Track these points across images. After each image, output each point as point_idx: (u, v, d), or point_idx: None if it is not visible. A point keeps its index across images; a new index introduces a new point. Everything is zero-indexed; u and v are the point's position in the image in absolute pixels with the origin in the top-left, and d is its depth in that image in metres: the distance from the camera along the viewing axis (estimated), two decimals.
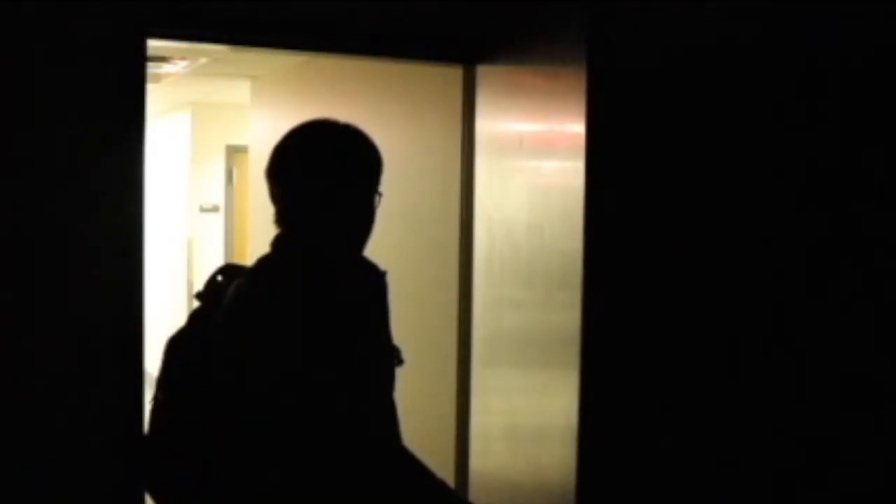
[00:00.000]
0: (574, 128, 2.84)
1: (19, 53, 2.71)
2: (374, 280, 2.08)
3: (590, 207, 2.78)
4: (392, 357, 2.09)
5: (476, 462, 3.34)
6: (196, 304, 2.10)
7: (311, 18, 3.06)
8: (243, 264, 2.12)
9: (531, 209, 3.05)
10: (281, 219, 2.00)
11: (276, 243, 2.01)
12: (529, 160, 3.11)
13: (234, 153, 7.88)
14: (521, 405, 3.11)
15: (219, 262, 7.90)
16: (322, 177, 1.94)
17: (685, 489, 3.25)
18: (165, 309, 8.18)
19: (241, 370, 1.87)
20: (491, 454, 3.28)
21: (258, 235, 6.65)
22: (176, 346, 2.05)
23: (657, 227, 3.22)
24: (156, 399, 2.03)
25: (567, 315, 2.83)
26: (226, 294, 1.97)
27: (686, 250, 3.25)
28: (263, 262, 2.00)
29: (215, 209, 8.00)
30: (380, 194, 2.01)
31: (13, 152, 2.72)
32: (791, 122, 3.38)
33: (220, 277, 2.07)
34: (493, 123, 3.28)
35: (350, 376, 1.93)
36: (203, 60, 5.75)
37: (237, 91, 6.81)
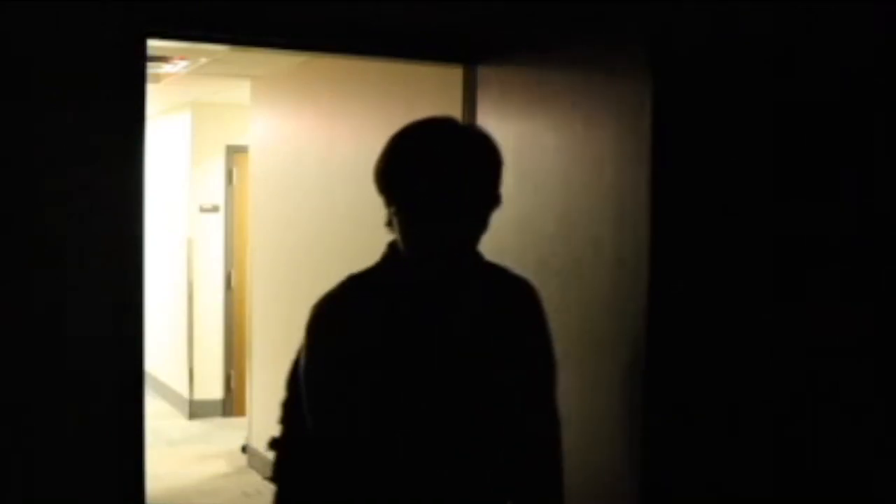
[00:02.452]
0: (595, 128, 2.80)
1: (20, 53, 2.71)
2: (504, 288, 2.01)
3: (655, 211, 2.63)
4: (548, 364, 2.05)
5: None
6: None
7: (311, 18, 3.06)
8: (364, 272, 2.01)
9: (552, 210, 2.99)
10: (392, 223, 1.89)
11: (390, 251, 1.94)
12: (539, 162, 3.09)
13: (234, 153, 7.87)
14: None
15: (219, 262, 7.92)
16: (445, 182, 1.82)
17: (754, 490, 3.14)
18: (165, 309, 8.19)
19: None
20: None
21: (258, 235, 6.65)
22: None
23: (718, 231, 3.10)
24: (286, 402, 1.98)
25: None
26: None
27: (751, 249, 3.12)
28: (381, 268, 1.95)
29: (215, 209, 8.00)
30: (499, 201, 1.89)
31: (13, 153, 2.72)
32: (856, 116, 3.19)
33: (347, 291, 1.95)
34: (494, 124, 3.27)
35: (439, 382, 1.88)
36: (203, 60, 5.74)
37: (237, 91, 6.82)
